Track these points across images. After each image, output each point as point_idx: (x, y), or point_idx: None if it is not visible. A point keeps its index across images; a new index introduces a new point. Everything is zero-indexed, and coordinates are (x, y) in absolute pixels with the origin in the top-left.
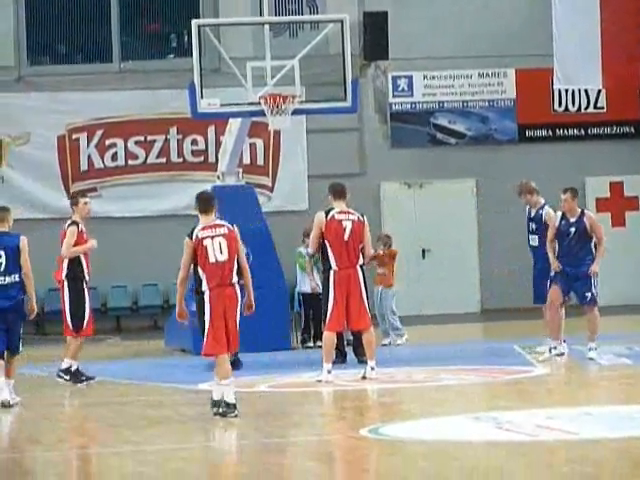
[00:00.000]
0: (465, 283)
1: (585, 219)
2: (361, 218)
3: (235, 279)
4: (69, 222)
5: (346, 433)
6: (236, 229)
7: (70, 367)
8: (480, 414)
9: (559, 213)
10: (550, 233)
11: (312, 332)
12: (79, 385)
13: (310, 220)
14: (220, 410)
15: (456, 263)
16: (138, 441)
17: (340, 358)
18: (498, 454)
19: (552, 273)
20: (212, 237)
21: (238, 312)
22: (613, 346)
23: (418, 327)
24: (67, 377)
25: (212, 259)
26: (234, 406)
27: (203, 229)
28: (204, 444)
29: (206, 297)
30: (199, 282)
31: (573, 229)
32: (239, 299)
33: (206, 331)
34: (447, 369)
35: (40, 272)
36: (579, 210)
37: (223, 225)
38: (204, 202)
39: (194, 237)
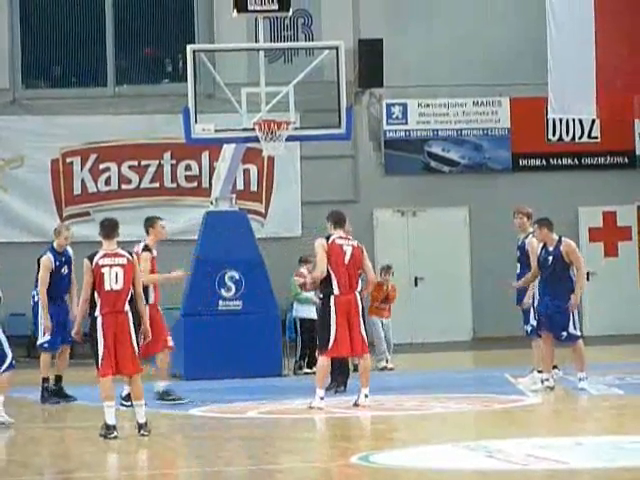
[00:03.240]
0: (457, 311)
1: (561, 247)
2: (359, 245)
3: (127, 307)
4: (142, 246)
5: (336, 460)
6: (136, 259)
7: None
8: (471, 443)
9: (541, 243)
10: (533, 264)
11: (309, 359)
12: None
13: (302, 248)
14: (101, 432)
15: (448, 291)
16: (127, 466)
17: (342, 386)
18: None
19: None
20: (110, 266)
21: (132, 337)
22: (604, 376)
23: (410, 355)
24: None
25: (107, 287)
26: (114, 427)
27: (103, 257)
28: (194, 469)
29: (98, 322)
30: (93, 306)
31: (551, 257)
32: (131, 326)
33: (99, 354)
34: (438, 397)
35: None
36: (556, 238)
37: (123, 255)
38: (106, 229)
39: (94, 263)
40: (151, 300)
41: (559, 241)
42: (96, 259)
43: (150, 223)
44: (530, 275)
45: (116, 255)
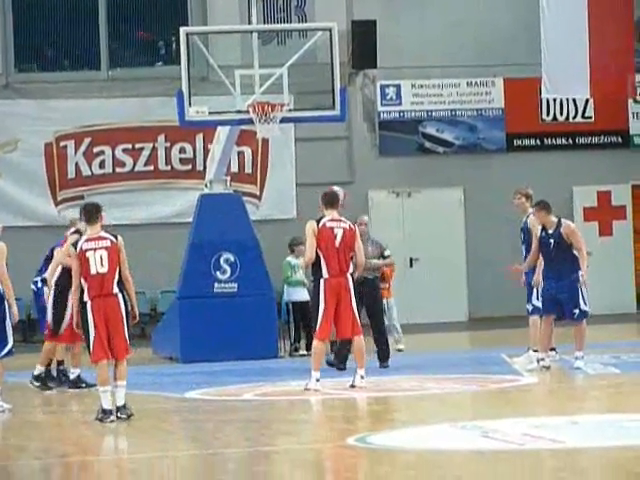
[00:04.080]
0: (453, 292)
1: (562, 229)
2: (352, 226)
3: (116, 290)
4: (72, 230)
5: (333, 442)
6: (120, 240)
7: (41, 374)
8: (467, 423)
9: (539, 225)
10: (534, 244)
11: (306, 341)
12: (46, 392)
13: (297, 230)
14: (98, 416)
15: (444, 272)
16: (125, 449)
17: (342, 365)
18: (485, 463)
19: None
20: (94, 249)
21: (123, 321)
22: (600, 355)
23: (405, 336)
24: (37, 384)
25: (93, 271)
26: (110, 412)
27: (87, 241)
28: (191, 452)
29: (88, 307)
30: (81, 292)
31: (552, 240)
32: (121, 308)
33: (91, 339)
34: (434, 378)
35: (27, 279)
36: (556, 220)
37: (106, 238)
38: (88, 213)
39: (78, 248)
40: None
41: (559, 223)
42: (80, 244)
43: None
44: (531, 255)
45: (99, 238)
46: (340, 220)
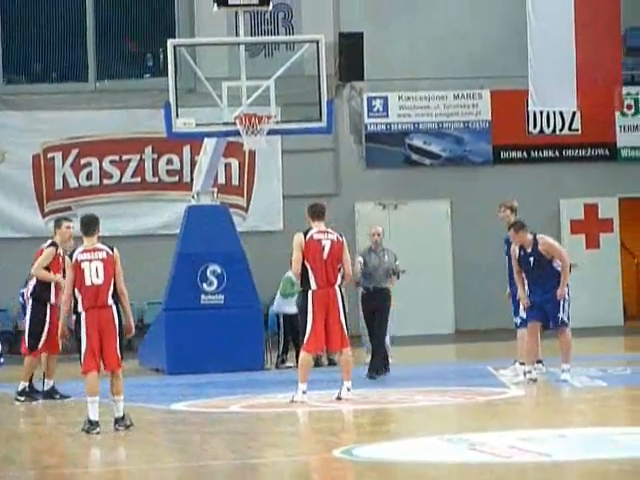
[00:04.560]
0: (440, 304)
1: (539, 247)
2: (340, 238)
3: (110, 302)
4: (48, 242)
5: (320, 454)
6: (116, 253)
7: (25, 388)
8: (454, 435)
9: (517, 245)
10: (514, 265)
11: (295, 352)
12: (34, 403)
13: (284, 241)
14: (84, 427)
15: (431, 284)
16: (112, 461)
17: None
18: (471, 475)
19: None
20: (90, 260)
21: (116, 333)
22: (587, 368)
23: (392, 348)
24: (22, 398)
25: (88, 282)
26: (97, 423)
27: (83, 252)
28: (178, 464)
29: (82, 318)
30: (75, 302)
31: (532, 259)
32: (115, 320)
33: (82, 350)
34: (421, 390)
35: (14, 290)
36: (531, 238)
37: (102, 249)
38: (86, 225)
39: (74, 259)
40: (52, 300)
41: (534, 240)
42: (75, 255)
43: (57, 223)
44: (516, 276)
45: (95, 250)
46: (327, 232)
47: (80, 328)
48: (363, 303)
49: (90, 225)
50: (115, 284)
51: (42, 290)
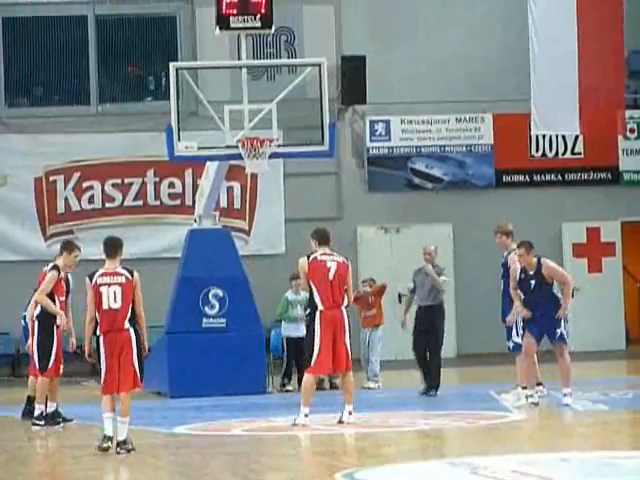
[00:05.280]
0: None
1: (543, 270)
2: (346, 261)
3: (127, 325)
4: (51, 265)
5: (321, 477)
6: (136, 277)
7: (42, 412)
8: (455, 459)
9: (518, 265)
10: (512, 283)
11: (298, 376)
12: (56, 427)
13: (286, 265)
14: (103, 444)
15: None
16: None
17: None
18: None
19: (521, 323)
20: (108, 285)
21: (132, 356)
22: (589, 392)
23: (394, 372)
24: (41, 422)
25: (105, 306)
26: (109, 438)
27: (102, 275)
28: None
29: (101, 340)
30: (96, 325)
31: (533, 282)
32: (132, 343)
33: (102, 373)
34: (423, 414)
35: (17, 313)
36: (535, 261)
37: (122, 274)
38: (108, 248)
39: (93, 282)
40: (58, 322)
41: (539, 264)
42: (95, 278)
43: (68, 248)
44: (515, 298)
45: (115, 274)
46: (333, 254)
47: (99, 351)
48: (415, 321)
49: (113, 247)
50: (135, 307)
51: (48, 313)
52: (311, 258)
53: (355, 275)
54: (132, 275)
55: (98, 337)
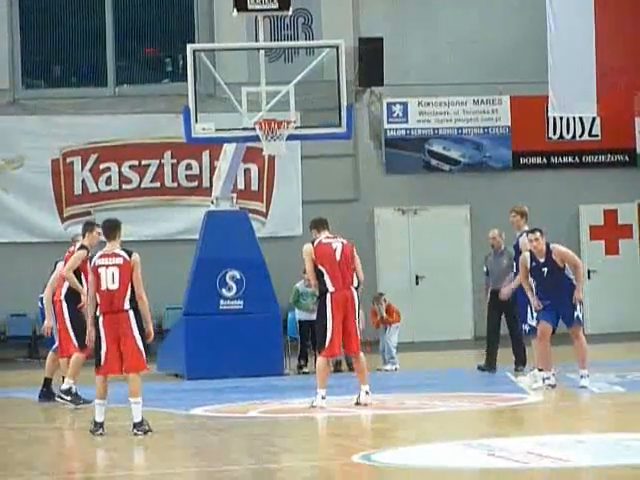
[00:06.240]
0: (459, 310)
1: (553, 256)
2: (350, 243)
3: (127, 306)
4: (79, 245)
5: (338, 459)
6: (135, 258)
7: (71, 388)
8: (472, 441)
9: (527, 254)
10: (522, 271)
11: (314, 358)
12: (79, 406)
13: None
14: (90, 427)
15: (449, 290)
16: (131, 466)
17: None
18: None
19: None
20: (107, 266)
21: (134, 337)
22: (606, 374)
23: (411, 354)
24: (68, 398)
25: (103, 287)
26: (100, 425)
27: (101, 257)
28: (196, 469)
29: (100, 321)
30: (96, 306)
31: (545, 269)
32: (132, 324)
33: (101, 353)
34: (440, 396)
35: (33, 294)
36: (545, 248)
37: (120, 255)
38: (106, 229)
39: (92, 264)
40: (82, 300)
41: (548, 249)
42: (94, 259)
43: (89, 228)
44: (518, 279)
45: (113, 255)
46: (336, 237)
47: (99, 332)
48: (488, 304)
49: (112, 229)
50: (133, 289)
51: (74, 291)
52: (316, 242)
53: (372, 258)
54: (130, 256)
55: (97, 318)
